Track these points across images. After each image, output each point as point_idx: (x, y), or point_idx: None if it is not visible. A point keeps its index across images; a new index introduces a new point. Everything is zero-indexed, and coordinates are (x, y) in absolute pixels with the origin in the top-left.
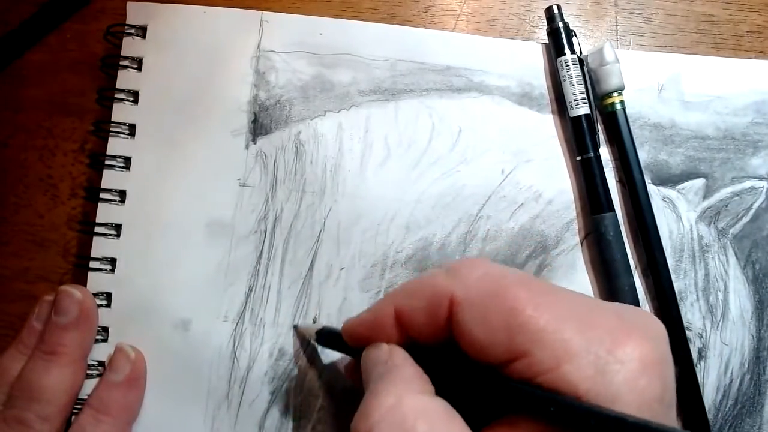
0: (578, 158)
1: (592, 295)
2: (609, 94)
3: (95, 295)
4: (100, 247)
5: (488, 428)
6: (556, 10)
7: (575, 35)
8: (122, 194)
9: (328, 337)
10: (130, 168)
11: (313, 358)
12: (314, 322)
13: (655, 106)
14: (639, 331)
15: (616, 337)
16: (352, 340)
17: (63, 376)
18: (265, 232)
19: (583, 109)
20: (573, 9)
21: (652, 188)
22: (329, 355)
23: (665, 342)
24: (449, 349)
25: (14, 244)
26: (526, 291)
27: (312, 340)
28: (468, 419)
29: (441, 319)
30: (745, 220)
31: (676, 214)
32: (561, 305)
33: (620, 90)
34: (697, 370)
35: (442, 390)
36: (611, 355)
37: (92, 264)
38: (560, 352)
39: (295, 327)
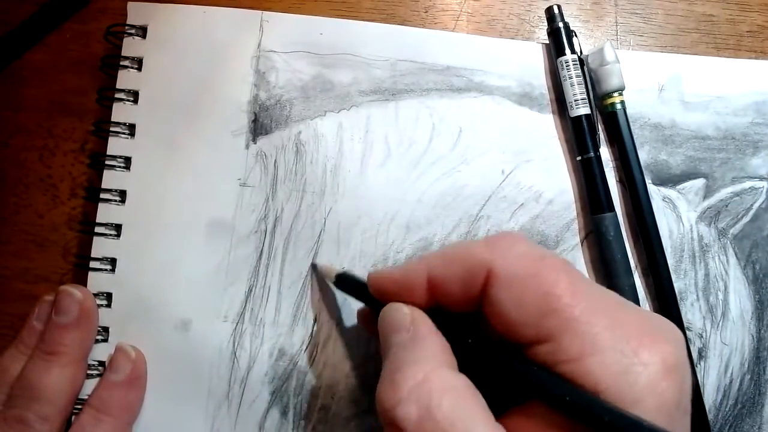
0: (578, 158)
1: None
2: (609, 94)
3: (95, 295)
4: (100, 247)
5: (506, 415)
6: (556, 10)
7: (575, 35)
8: (122, 194)
9: (347, 282)
10: (131, 168)
11: (313, 356)
12: (314, 323)
13: (656, 107)
14: (662, 335)
15: (642, 338)
16: (378, 294)
17: (63, 376)
18: (266, 232)
19: (584, 109)
20: (573, 9)
21: (652, 188)
22: (329, 355)
23: (684, 348)
24: (473, 319)
25: (14, 244)
26: (566, 277)
27: (330, 282)
28: (486, 397)
29: (475, 290)
30: (745, 220)
31: (676, 214)
32: (595, 297)
33: (620, 90)
34: (698, 370)
35: (461, 359)
36: (636, 356)
37: (92, 264)
38: (587, 345)
39: (314, 266)
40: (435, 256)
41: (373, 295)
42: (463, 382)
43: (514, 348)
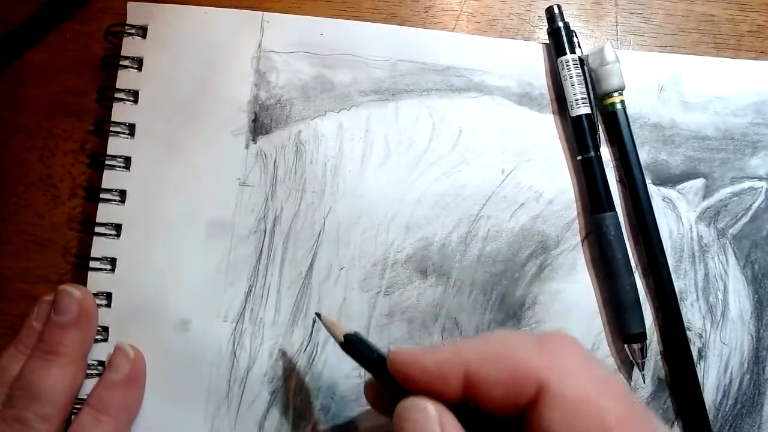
0: (579, 158)
1: (593, 296)
2: (609, 94)
3: (95, 295)
4: (100, 247)
5: None
6: (556, 10)
7: (575, 35)
8: (122, 194)
9: (356, 346)
10: (130, 168)
11: (313, 356)
12: (314, 323)
13: (656, 107)
14: None
15: None
16: (401, 378)
17: (63, 376)
18: (265, 231)
19: (584, 109)
20: (573, 9)
21: (652, 188)
22: (329, 355)
23: None
24: (510, 421)
25: (14, 244)
26: (625, 410)
27: (336, 341)
28: None
29: (521, 400)
30: (745, 220)
31: (676, 214)
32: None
33: (620, 90)
34: (697, 370)
35: None
36: None
37: (92, 264)
38: None
39: (319, 315)
40: (475, 350)
41: (395, 377)
42: None
43: None
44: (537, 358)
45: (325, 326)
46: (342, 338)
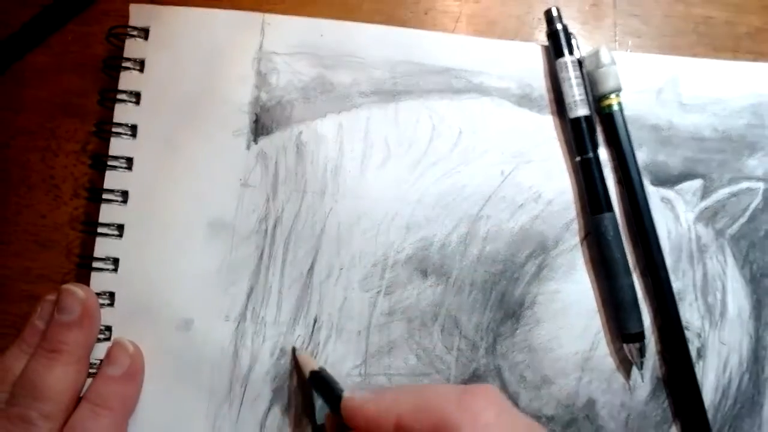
0: (578, 159)
1: (592, 295)
2: (606, 96)
3: (98, 294)
4: (103, 247)
5: None
6: (555, 13)
7: (574, 37)
8: (124, 194)
9: (321, 382)
10: (132, 168)
11: (314, 356)
12: (315, 322)
13: (654, 108)
14: None
15: None
16: (349, 421)
17: (66, 375)
18: (266, 232)
19: (583, 111)
20: (572, 11)
21: (650, 189)
22: (329, 354)
23: None
24: None
25: (17, 244)
26: None
27: (305, 375)
28: None
29: None
30: (742, 220)
31: (674, 214)
32: None
33: (617, 92)
34: (696, 369)
35: None
36: None
37: (95, 264)
38: None
39: (295, 349)
40: (408, 400)
41: (345, 420)
42: None
43: None
44: (456, 412)
45: (299, 361)
46: (308, 373)
